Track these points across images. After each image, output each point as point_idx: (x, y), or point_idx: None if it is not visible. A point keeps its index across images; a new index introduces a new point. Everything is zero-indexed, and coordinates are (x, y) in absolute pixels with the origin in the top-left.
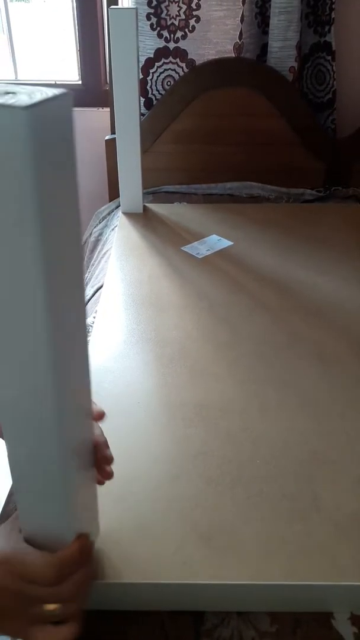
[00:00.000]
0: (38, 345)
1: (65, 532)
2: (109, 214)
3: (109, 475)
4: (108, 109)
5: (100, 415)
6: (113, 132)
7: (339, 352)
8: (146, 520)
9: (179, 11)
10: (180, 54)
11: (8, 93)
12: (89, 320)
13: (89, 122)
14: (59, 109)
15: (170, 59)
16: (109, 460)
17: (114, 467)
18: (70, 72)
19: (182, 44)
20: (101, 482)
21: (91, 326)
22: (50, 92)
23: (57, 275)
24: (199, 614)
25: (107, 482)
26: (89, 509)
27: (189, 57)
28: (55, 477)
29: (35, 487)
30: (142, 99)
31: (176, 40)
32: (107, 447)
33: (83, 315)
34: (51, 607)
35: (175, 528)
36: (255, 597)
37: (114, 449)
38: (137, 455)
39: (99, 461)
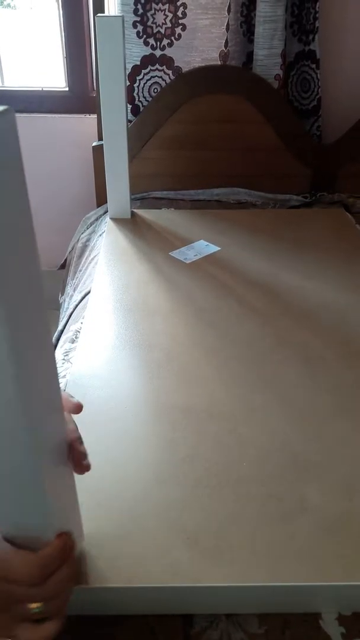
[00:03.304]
0: None
1: (44, 531)
2: (96, 219)
3: (87, 468)
4: (95, 116)
5: (78, 408)
6: (100, 139)
7: (324, 355)
8: (133, 523)
9: (165, 19)
10: (167, 61)
11: None
12: (76, 326)
13: (76, 128)
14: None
15: (157, 66)
16: (84, 455)
17: (105, 469)
18: (57, 78)
19: (168, 52)
20: (80, 473)
21: (79, 331)
22: None
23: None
24: (188, 616)
25: (94, 486)
26: (69, 509)
27: (176, 64)
28: (27, 476)
29: (10, 487)
30: (129, 106)
31: (162, 48)
32: (81, 442)
33: (40, 304)
34: (34, 605)
35: (163, 531)
36: (243, 598)
37: (101, 454)
38: (124, 458)
39: (76, 457)
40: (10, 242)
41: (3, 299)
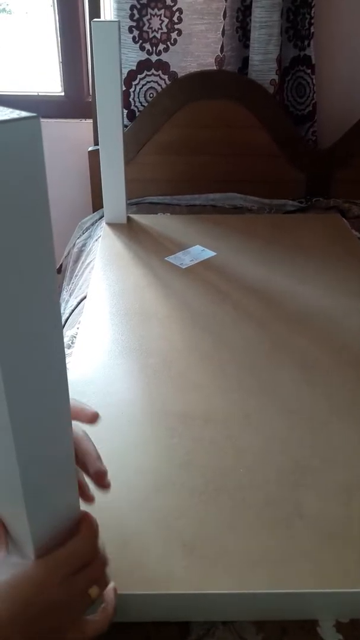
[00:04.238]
0: None
1: (75, 503)
2: (92, 224)
3: (107, 486)
4: (91, 121)
5: (94, 417)
6: (96, 144)
7: (321, 360)
8: (129, 530)
9: (160, 24)
10: (163, 66)
11: None
12: (72, 332)
13: (72, 133)
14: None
15: (153, 71)
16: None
17: None
18: (52, 83)
19: (164, 57)
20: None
21: (75, 337)
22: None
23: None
24: (184, 624)
25: (91, 491)
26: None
27: (171, 69)
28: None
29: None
30: (125, 111)
31: (158, 53)
32: (98, 458)
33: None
34: (94, 591)
35: (159, 538)
36: (240, 606)
37: None
38: (120, 465)
39: (94, 476)
40: (35, 249)
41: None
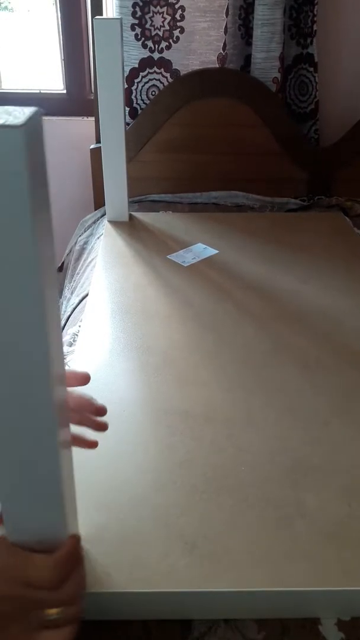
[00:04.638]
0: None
1: (60, 528)
2: (94, 222)
3: (104, 427)
4: (93, 118)
5: (85, 379)
6: (98, 141)
7: (322, 359)
8: (131, 528)
9: (163, 22)
10: (165, 64)
11: None
12: (74, 329)
13: (74, 131)
14: (37, 126)
15: (155, 69)
16: (102, 411)
17: (102, 474)
18: (54, 81)
19: (166, 55)
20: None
21: (76, 335)
22: (25, 110)
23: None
24: (186, 622)
25: (91, 490)
26: (72, 505)
27: (174, 67)
28: (45, 464)
29: (25, 482)
30: (127, 109)
31: (160, 51)
32: (93, 401)
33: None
34: (53, 611)
35: (161, 536)
36: (241, 604)
37: (99, 458)
38: (122, 463)
39: (95, 413)
40: (37, 242)
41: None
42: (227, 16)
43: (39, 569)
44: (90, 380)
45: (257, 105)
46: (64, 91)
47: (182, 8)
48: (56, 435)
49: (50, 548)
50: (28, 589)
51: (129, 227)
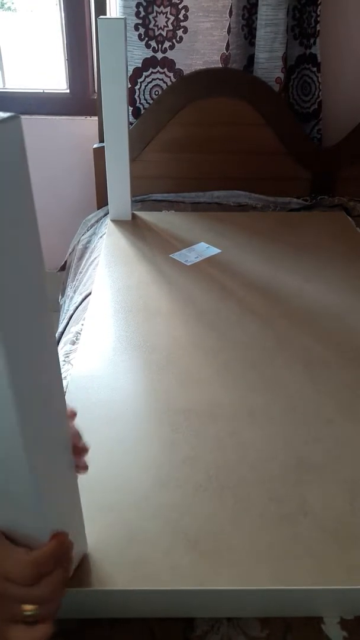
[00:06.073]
0: None
1: (38, 532)
2: (97, 221)
3: (83, 468)
4: (96, 118)
5: (71, 415)
6: (101, 141)
7: (325, 357)
8: (134, 526)
9: (166, 22)
10: (168, 64)
11: None
12: (77, 328)
13: (77, 130)
14: (10, 136)
15: (158, 68)
16: (84, 451)
17: (105, 472)
18: (58, 80)
19: (169, 54)
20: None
21: (79, 333)
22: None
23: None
24: (189, 620)
25: (94, 488)
26: (70, 512)
27: (177, 67)
28: (21, 475)
29: (4, 485)
30: (130, 108)
31: (164, 51)
32: (80, 438)
33: (45, 306)
34: (28, 607)
35: (164, 534)
36: (244, 602)
37: (102, 456)
38: (125, 461)
39: (76, 452)
40: (15, 246)
41: (3, 301)
42: (230, 16)
43: (15, 564)
44: (94, 379)
45: (260, 105)
46: (68, 91)
47: (186, 8)
48: (21, 434)
49: (34, 544)
50: (6, 582)
51: (132, 226)
